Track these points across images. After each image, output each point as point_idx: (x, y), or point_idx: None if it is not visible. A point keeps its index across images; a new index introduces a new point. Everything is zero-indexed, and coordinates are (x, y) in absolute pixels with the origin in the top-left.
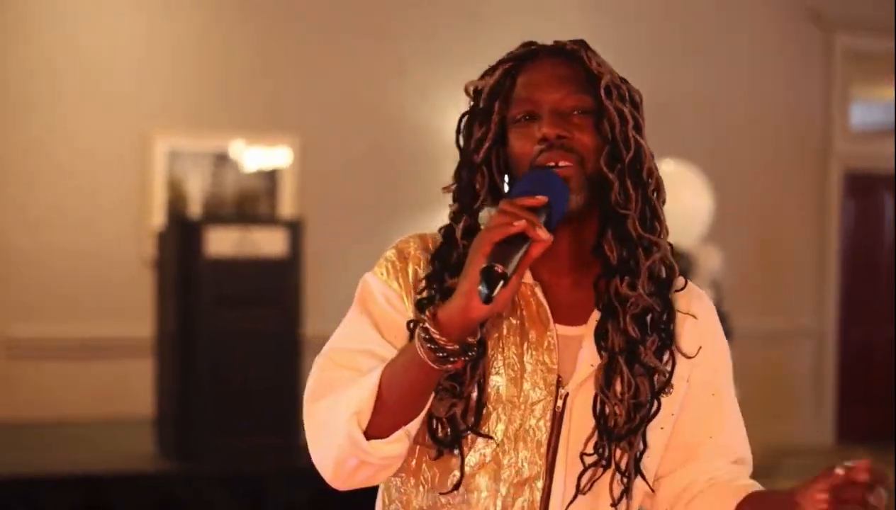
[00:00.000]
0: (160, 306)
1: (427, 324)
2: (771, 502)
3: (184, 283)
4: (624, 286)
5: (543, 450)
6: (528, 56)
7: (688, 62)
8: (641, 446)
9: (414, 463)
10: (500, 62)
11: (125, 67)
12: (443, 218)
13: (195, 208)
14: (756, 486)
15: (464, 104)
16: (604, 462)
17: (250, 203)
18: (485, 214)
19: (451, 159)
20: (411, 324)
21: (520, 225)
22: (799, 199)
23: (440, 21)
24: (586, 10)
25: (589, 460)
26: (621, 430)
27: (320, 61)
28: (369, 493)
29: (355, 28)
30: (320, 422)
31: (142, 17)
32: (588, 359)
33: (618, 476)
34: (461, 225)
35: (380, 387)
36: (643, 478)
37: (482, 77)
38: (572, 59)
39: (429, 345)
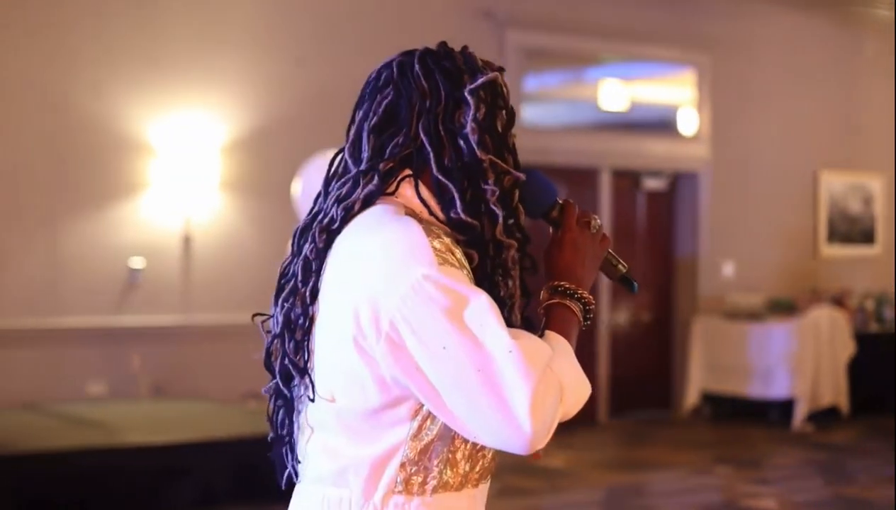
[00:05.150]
0: None
1: (584, 293)
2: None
3: None
4: None
5: None
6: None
7: (361, 59)
8: None
9: None
10: (500, 68)
11: None
12: (122, 213)
13: None
14: None
15: (136, 95)
16: None
17: None
18: (597, 220)
19: (125, 153)
20: (560, 292)
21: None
22: None
23: (111, 13)
24: (263, 5)
25: None
26: None
27: None
28: None
29: (24, 18)
30: (575, 378)
31: None
32: None
33: None
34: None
35: None
36: None
37: (495, 71)
38: None
39: (589, 307)
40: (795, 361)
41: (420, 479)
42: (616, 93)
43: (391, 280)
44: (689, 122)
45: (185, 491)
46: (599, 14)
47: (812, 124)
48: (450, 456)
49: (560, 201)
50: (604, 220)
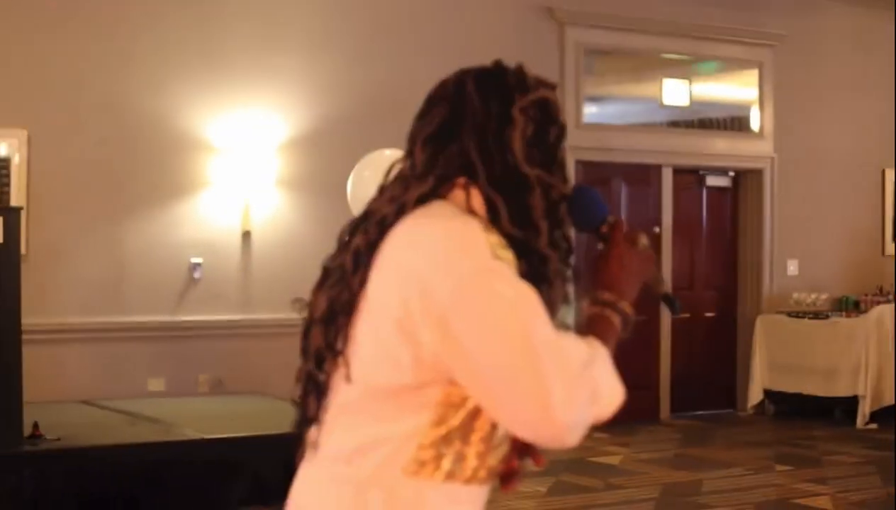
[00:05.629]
0: None
1: (625, 305)
2: None
3: None
4: None
5: None
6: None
7: (420, 58)
8: None
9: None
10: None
11: None
12: (181, 210)
13: None
14: None
15: (194, 94)
16: None
17: None
18: (644, 239)
19: (184, 152)
20: (602, 303)
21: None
22: None
23: (167, 12)
24: (321, 5)
25: None
26: None
27: (46, 53)
28: None
29: (81, 19)
30: (610, 382)
31: None
32: None
33: None
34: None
35: None
36: None
37: (546, 89)
38: None
39: (628, 319)
40: (859, 359)
41: (432, 466)
42: (678, 90)
43: (445, 266)
44: (752, 119)
45: (240, 486)
46: (661, 11)
47: (878, 121)
48: (463, 449)
49: (610, 219)
50: (666, 217)
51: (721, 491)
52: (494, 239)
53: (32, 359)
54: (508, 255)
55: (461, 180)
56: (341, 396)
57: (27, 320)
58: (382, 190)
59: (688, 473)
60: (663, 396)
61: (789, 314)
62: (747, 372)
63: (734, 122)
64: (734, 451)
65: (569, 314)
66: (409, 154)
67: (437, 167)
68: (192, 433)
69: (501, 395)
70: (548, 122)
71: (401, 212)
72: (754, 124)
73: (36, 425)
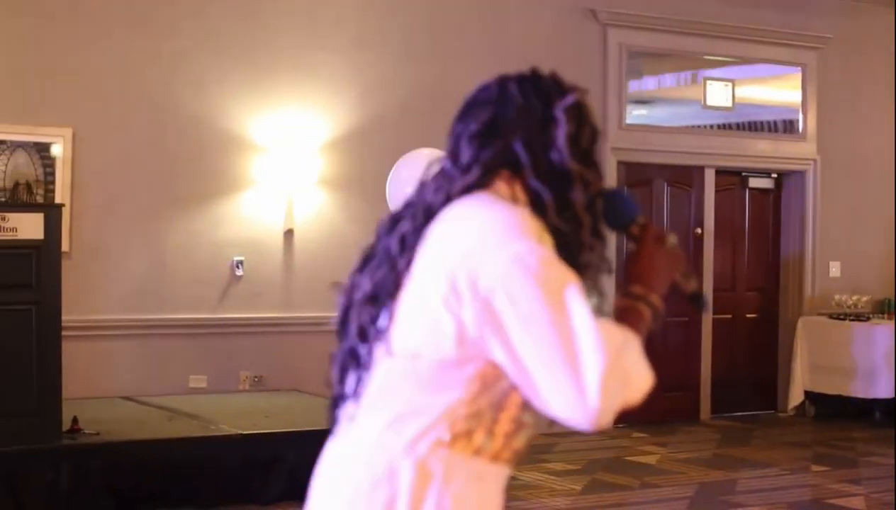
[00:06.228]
0: None
1: (654, 298)
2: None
3: None
4: None
5: None
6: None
7: (463, 58)
8: None
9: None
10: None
11: None
12: (224, 209)
13: None
14: None
15: (238, 94)
16: None
17: (25, 192)
18: (673, 239)
19: (227, 151)
20: (633, 296)
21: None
22: None
23: (212, 12)
24: (364, 6)
25: None
26: None
27: (91, 52)
28: None
29: (126, 18)
30: (640, 368)
31: None
32: None
33: None
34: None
35: None
36: None
37: (579, 93)
38: None
39: (657, 312)
40: None
41: (464, 440)
42: (721, 91)
43: (494, 248)
44: (795, 120)
45: (276, 482)
46: (704, 13)
47: None
48: (493, 426)
49: (640, 219)
50: (708, 218)
51: (755, 490)
52: (539, 224)
53: (75, 356)
54: (549, 240)
55: (505, 173)
56: (382, 371)
57: (71, 316)
58: (423, 184)
59: (724, 473)
60: (704, 397)
61: (831, 316)
62: (788, 373)
63: (777, 124)
64: (772, 452)
65: (602, 305)
66: (452, 152)
67: (482, 161)
68: (229, 429)
69: (538, 376)
70: (583, 123)
71: (447, 200)
72: (798, 126)
73: (75, 420)
